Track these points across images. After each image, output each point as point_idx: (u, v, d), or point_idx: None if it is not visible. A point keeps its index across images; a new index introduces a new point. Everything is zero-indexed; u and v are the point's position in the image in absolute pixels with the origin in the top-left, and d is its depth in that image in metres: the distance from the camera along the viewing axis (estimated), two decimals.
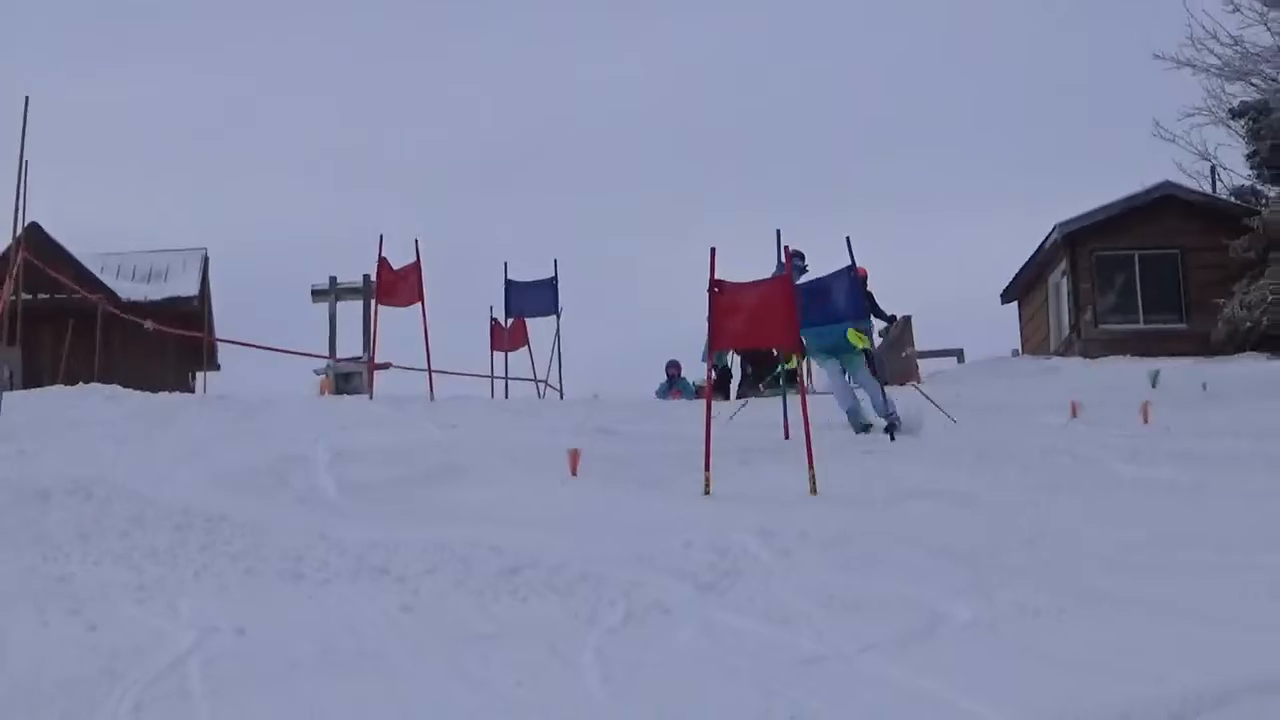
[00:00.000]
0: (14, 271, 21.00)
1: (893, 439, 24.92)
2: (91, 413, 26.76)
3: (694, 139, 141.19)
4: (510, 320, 38.95)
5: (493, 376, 39.94)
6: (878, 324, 36.61)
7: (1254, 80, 52.46)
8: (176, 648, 12.33)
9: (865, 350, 26.56)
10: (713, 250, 20.76)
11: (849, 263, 27.73)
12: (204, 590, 14.32)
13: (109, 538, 16.27)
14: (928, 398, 28.08)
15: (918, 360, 42.59)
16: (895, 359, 37.65)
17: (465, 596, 14.05)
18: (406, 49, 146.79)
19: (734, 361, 36.28)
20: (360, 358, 42.17)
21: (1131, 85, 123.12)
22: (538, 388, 40.05)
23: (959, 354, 49.36)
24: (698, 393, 35.99)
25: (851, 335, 25.47)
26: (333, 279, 55.09)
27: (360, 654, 12.24)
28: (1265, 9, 52.93)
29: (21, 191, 19.41)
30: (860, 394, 26.37)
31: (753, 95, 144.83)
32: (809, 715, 10.18)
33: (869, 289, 33.67)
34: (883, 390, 26.03)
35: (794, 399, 22.80)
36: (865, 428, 25.39)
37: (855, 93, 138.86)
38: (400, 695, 11.12)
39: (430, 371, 35.22)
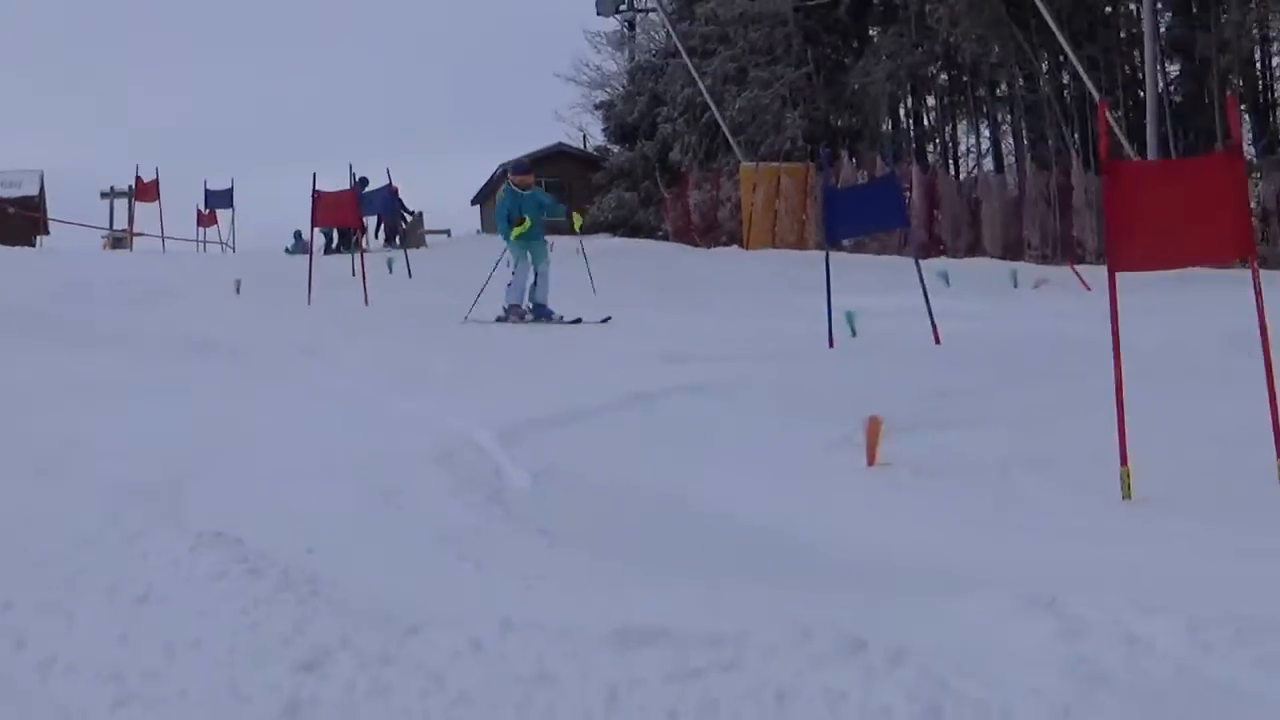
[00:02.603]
0: None
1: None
2: None
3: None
4: (207, 209, 38.88)
5: (198, 240, 40.08)
6: (406, 217, 36.78)
7: (607, 90, 52.91)
8: None
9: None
10: (314, 175, 21.00)
11: (387, 182, 27.71)
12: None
13: None
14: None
15: (427, 235, 42.42)
16: (414, 235, 37.48)
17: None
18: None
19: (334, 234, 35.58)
20: (125, 230, 41.55)
21: (544, 90, 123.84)
22: (222, 247, 39.57)
23: (448, 232, 49.05)
24: (306, 249, 35.47)
25: None
26: (112, 186, 54.73)
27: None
28: (614, 49, 53.64)
29: None
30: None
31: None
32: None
33: (401, 198, 33.55)
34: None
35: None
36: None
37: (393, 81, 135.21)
38: None
39: (163, 238, 37.96)
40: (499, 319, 17.23)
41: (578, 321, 16.45)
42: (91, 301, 18.82)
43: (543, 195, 19.02)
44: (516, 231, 17.46)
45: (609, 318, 15.67)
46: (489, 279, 17.07)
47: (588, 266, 19.99)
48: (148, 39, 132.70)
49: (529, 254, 17.51)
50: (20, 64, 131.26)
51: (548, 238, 19.03)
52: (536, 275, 17.74)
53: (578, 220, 18.69)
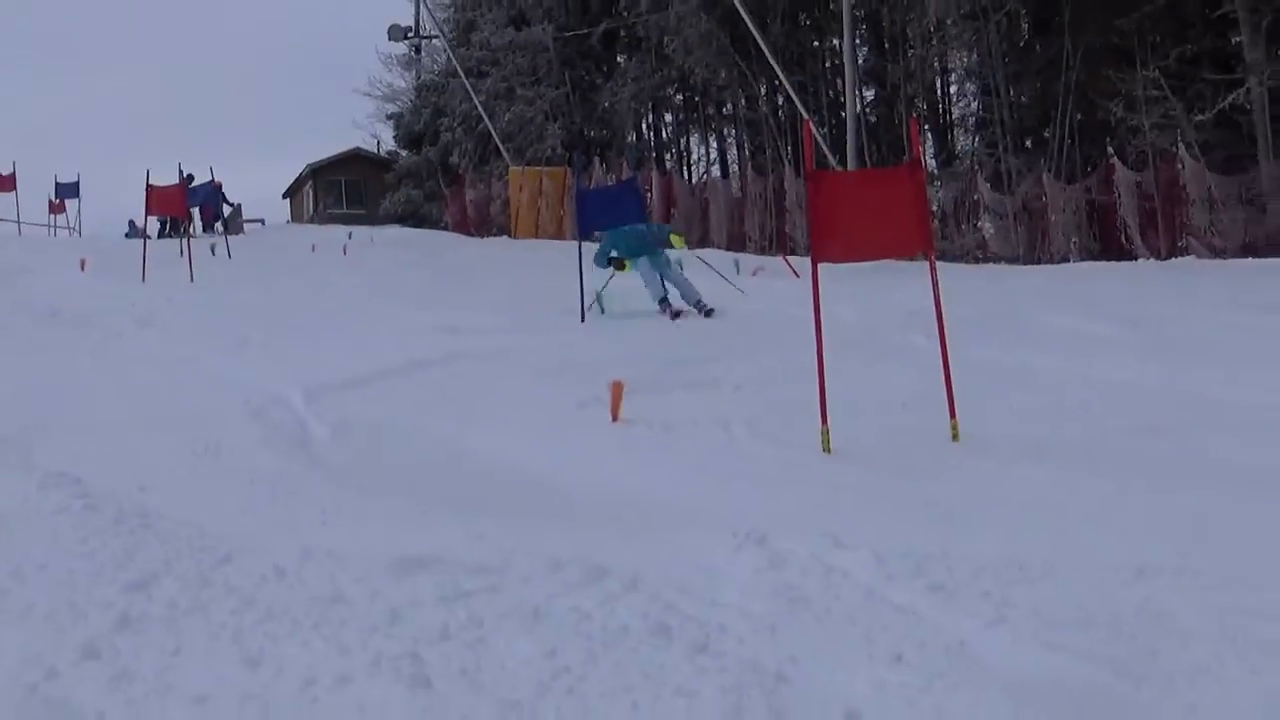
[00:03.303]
0: None
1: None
2: None
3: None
4: (58, 199, 37.94)
5: (49, 226, 38.68)
6: (226, 208, 35.77)
7: (397, 103, 52.44)
8: None
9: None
10: (148, 171, 20.53)
11: (211, 178, 27.03)
12: None
13: None
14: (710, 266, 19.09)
15: (245, 224, 41.51)
16: (233, 224, 36.64)
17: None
18: None
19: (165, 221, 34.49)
20: None
21: (345, 102, 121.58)
22: (70, 232, 38.43)
23: (262, 221, 48.19)
24: (141, 234, 34.55)
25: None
26: None
27: None
28: (403, 70, 53.23)
29: None
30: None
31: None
32: None
33: (223, 191, 32.73)
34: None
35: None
36: (677, 313, 15.22)
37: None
38: None
39: (19, 223, 37.10)
40: (700, 315, 15.68)
41: (711, 312, 15.43)
42: None
43: (642, 226, 16.46)
44: (617, 271, 16.18)
45: (711, 310, 15.00)
46: (605, 284, 15.99)
47: (729, 274, 18.15)
48: (8, 49, 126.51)
49: (653, 272, 15.97)
50: None
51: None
52: (672, 283, 15.69)
53: (679, 241, 17.08)
